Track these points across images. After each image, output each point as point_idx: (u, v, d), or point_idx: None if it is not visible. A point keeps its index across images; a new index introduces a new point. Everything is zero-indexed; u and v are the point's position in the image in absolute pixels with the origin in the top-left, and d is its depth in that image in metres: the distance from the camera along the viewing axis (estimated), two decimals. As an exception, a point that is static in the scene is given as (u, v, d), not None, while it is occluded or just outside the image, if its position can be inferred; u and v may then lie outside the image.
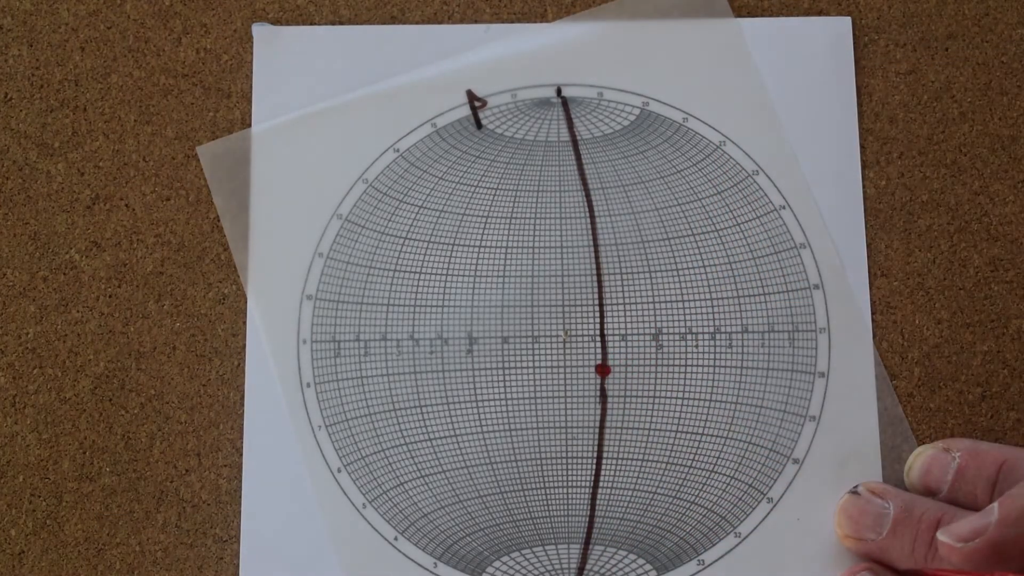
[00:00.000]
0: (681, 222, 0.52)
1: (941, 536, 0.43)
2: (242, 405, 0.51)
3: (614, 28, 0.54)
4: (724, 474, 0.50)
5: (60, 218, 0.53)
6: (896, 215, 0.53)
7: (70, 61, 0.54)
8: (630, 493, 0.50)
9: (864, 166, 0.53)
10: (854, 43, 0.54)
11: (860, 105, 0.53)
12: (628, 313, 0.51)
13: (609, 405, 0.51)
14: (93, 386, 0.52)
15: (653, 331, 0.51)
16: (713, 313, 0.51)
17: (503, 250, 0.52)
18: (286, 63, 0.53)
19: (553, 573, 0.50)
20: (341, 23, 0.54)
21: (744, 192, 0.52)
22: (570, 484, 0.50)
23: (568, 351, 0.51)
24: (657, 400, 0.51)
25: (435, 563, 0.50)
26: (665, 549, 0.50)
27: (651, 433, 0.50)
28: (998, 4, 0.54)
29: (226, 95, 0.54)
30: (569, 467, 0.50)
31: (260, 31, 0.54)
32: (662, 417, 0.50)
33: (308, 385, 0.51)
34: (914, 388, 0.52)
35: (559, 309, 0.51)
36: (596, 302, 0.51)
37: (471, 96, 0.53)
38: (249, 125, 0.53)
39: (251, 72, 0.53)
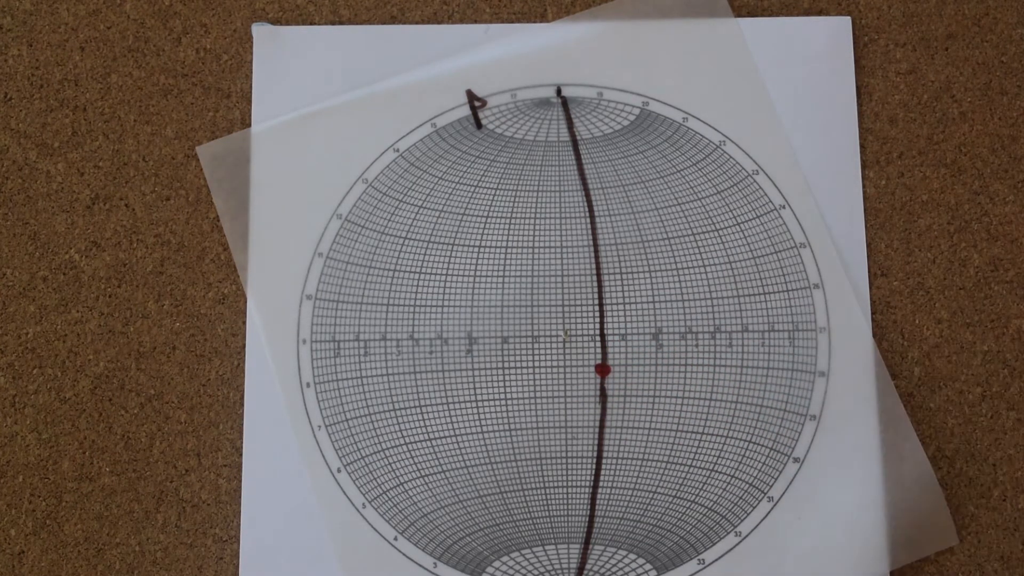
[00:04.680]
0: (681, 222, 0.52)
1: None
2: (242, 405, 0.51)
3: (614, 28, 0.54)
4: (724, 473, 0.50)
5: (60, 218, 0.53)
6: (896, 215, 0.53)
7: (70, 61, 0.54)
8: (630, 493, 0.50)
9: (864, 166, 0.53)
10: (854, 43, 0.54)
11: (860, 105, 0.53)
12: (628, 313, 0.51)
13: (609, 405, 0.51)
14: (93, 386, 0.52)
15: (653, 330, 0.51)
16: (713, 312, 0.51)
17: (503, 250, 0.52)
18: (286, 63, 0.53)
19: (553, 573, 0.50)
20: (341, 23, 0.54)
21: (744, 192, 0.52)
22: (570, 484, 0.50)
23: (568, 351, 0.51)
24: (657, 399, 0.50)
25: (435, 563, 0.50)
26: (665, 548, 0.50)
27: (651, 432, 0.50)
28: (998, 4, 0.54)
29: (226, 95, 0.54)
30: (569, 467, 0.50)
31: (260, 31, 0.54)
32: (662, 416, 0.50)
33: (308, 385, 0.51)
34: (914, 388, 0.52)
35: (559, 309, 0.51)
36: (596, 302, 0.51)
37: (471, 96, 0.53)
38: (249, 125, 0.53)
39: (251, 72, 0.53)
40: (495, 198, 0.52)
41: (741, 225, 0.52)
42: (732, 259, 0.52)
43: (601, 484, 0.50)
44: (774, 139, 0.53)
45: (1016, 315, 0.52)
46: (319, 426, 0.51)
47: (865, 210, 0.53)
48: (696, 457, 0.50)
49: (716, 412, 0.51)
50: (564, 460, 0.50)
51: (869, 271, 0.52)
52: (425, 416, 0.51)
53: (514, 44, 0.54)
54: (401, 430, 0.51)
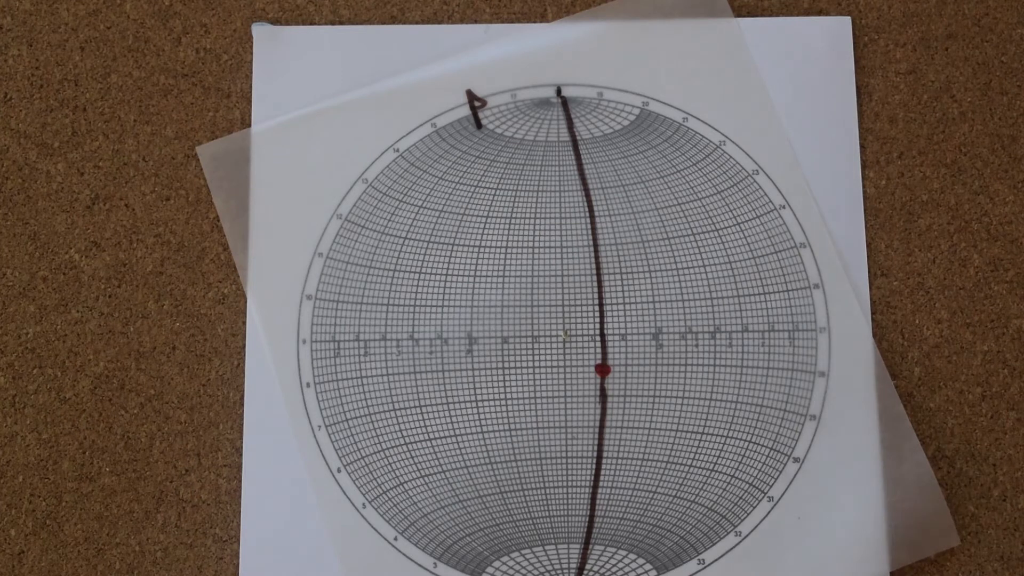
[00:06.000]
0: (681, 222, 0.52)
1: None
2: (242, 405, 0.51)
3: (614, 28, 0.54)
4: (724, 473, 0.50)
5: (60, 218, 0.53)
6: (896, 215, 0.53)
7: (70, 61, 0.54)
8: (630, 493, 0.50)
9: (864, 166, 0.53)
10: (854, 43, 0.54)
11: (860, 105, 0.53)
12: (628, 313, 0.51)
13: (609, 405, 0.51)
14: (93, 386, 0.52)
15: (653, 330, 0.51)
16: (713, 312, 0.51)
17: (503, 250, 0.52)
18: (286, 63, 0.53)
19: (553, 573, 0.50)
20: (341, 23, 0.54)
21: (744, 192, 0.52)
22: (570, 484, 0.50)
23: (568, 351, 0.51)
24: (657, 399, 0.50)
25: (435, 563, 0.50)
26: (665, 548, 0.50)
27: (651, 432, 0.50)
28: (998, 4, 0.54)
29: (226, 95, 0.54)
30: (569, 467, 0.50)
31: (260, 31, 0.54)
32: (662, 416, 0.50)
33: (308, 385, 0.51)
34: (914, 388, 0.52)
35: (559, 309, 0.51)
36: (596, 302, 0.51)
37: (471, 96, 0.53)
38: (249, 125, 0.53)
39: (251, 72, 0.53)
40: (495, 198, 0.52)
41: (741, 225, 0.52)
42: (732, 259, 0.52)
43: (601, 484, 0.50)
44: (774, 139, 0.53)
45: (1016, 315, 0.52)
46: (319, 426, 0.51)
47: (865, 210, 0.53)
48: (696, 457, 0.50)
49: (716, 412, 0.51)
50: (564, 460, 0.50)
51: (869, 271, 0.52)
52: (425, 416, 0.51)
53: (514, 44, 0.54)
54: (401, 430, 0.51)
